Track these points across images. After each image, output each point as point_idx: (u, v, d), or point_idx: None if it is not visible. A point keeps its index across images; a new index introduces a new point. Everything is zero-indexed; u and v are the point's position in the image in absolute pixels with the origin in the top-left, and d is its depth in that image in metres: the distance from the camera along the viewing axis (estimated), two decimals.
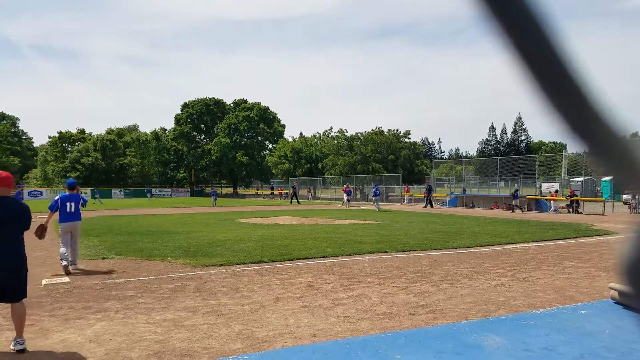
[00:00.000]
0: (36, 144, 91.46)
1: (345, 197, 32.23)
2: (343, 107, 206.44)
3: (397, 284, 7.37)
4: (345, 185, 35.40)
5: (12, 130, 78.86)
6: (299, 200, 40.36)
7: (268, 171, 67.15)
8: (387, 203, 39.60)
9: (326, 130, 62.79)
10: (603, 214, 23.92)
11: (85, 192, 45.82)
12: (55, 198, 8.61)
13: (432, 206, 31.69)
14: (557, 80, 0.41)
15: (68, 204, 8.49)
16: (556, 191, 30.87)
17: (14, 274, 4.55)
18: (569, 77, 0.40)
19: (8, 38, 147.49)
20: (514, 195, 27.59)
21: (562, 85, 0.40)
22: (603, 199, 28.53)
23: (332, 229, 16.04)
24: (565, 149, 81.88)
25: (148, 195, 55.11)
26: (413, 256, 10.27)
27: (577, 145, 0.44)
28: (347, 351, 3.62)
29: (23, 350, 4.46)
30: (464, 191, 28.51)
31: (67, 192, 8.73)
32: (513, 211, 26.49)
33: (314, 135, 64.05)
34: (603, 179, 35.27)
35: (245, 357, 3.61)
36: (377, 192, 29.48)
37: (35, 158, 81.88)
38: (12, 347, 4.51)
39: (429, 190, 32.11)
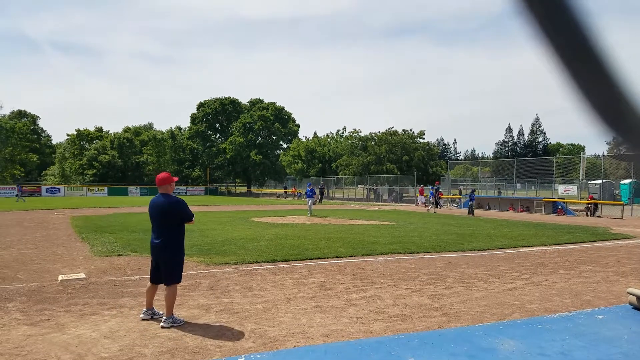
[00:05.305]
0: (54, 142, 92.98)
1: (420, 199, 29.41)
2: (357, 106, 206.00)
3: (411, 286, 7.32)
4: (420, 186, 32.63)
5: (32, 127, 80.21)
6: (322, 200, 40.31)
7: (282, 171, 67.37)
8: (401, 204, 39.42)
9: (339, 130, 62.96)
10: (622, 218, 23.54)
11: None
12: None
13: (439, 207, 32.38)
14: (593, 73, 0.39)
15: None
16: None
17: (161, 256, 5.30)
18: (604, 70, 0.39)
19: (27, 35, 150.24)
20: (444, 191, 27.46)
21: (598, 78, 0.39)
22: (622, 202, 28.04)
23: (346, 229, 16.00)
24: (584, 151, 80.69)
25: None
26: (427, 258, 10.20)
27: (613, 138, 0.42)
28: (360, 352, 3.60)
29: (167, 327, 5.05)
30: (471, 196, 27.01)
31: None
32: (437, 206, 26.30)
33: (327, 135, 64.18)
34: (622, 182, 34.65)
35: (258, 356, 3.61)
36: (311, 192, 24.74)
37: (53, 155, 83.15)
38: (161, 324, 5.12)
39: (436, 191, 32.36)
